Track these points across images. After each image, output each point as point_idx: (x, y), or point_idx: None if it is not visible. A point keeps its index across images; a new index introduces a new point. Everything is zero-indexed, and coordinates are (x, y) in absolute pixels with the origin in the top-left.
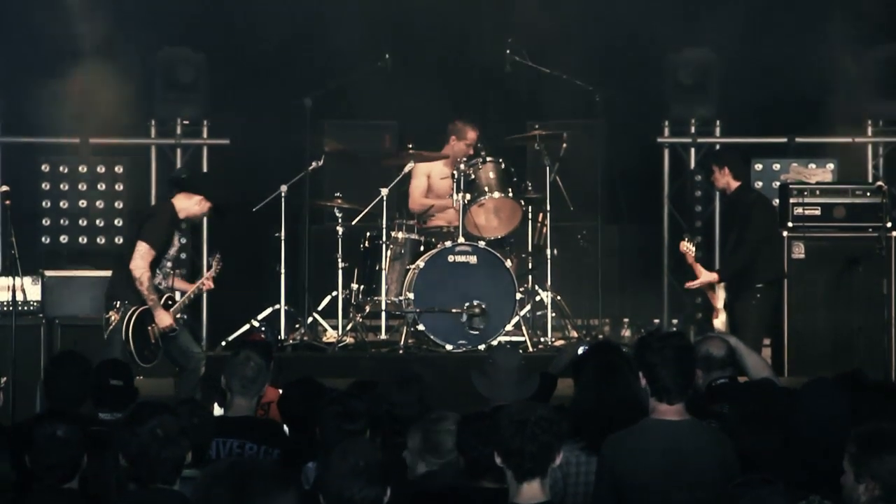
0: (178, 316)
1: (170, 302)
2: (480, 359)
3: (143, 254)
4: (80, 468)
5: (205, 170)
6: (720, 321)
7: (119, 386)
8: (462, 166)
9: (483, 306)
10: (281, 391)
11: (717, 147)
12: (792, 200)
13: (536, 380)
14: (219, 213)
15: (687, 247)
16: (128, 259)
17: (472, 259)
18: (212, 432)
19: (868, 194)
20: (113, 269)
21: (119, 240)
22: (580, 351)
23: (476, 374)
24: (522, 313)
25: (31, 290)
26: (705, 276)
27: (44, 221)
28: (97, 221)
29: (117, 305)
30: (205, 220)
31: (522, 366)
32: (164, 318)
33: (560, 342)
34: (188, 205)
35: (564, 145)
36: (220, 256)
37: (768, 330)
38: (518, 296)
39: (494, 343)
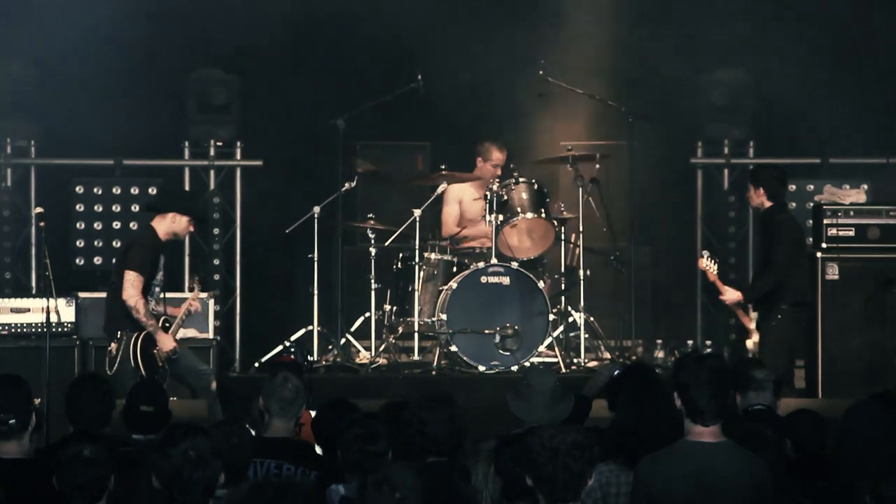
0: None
1: (166, 324)
2: (515, 380)
3: (132, 282)
4: (108, 489)
5: (239, 191)
6: (752, 342)
7: (149, 412)
8: (495, 187)
9: (516, 327)
10: (314, 412)
11: (753, 166)
12: (826, 221)
13: (571, 401)
14: (199, 222)
15: (706, 264)
16: (118, 290)
17: (505, 280)
18: (250, 452)
19: None
20: (106, 303)
21: None
22: (615, 373)
23: (511, 395)
24: (555, 334)
25: (65, 311)
26: (731, 292)
27: (78, 243)
28: None
29: (119, 336)
30: (187, 236)
31: (557, 387)
32: (166, 342)
33: (593, 363)
34: (165, 224)
35: (598, 166)
36: (199, 277)
37: (793, 351)
38: (551, 317)
39: (527, 364)
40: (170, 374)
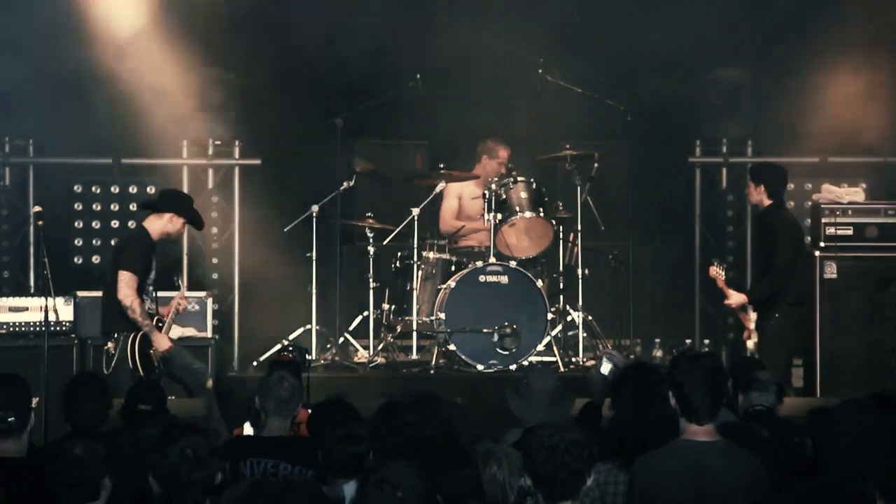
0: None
1: (160, 324)
2: (515, 379)
3: (127, 282)
4: (104, 488)
5: (237, 190)
6: (752, 342)
7: (147, 410)
8: (493, 186)
9: (514, 326)
10: (310, 411)
11: (753, 164)
12: (824, 220)
13: (571, 401)
14: (195, 225)
15: (717, 272)
16: (114, 291)
17: (504, 279)
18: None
19: None
20: (102, 303)
21: None
22: (605, 369)
23: (510, 394)
24: (554, 333)
25: (64, 310)
26: (736, 296)
27: (76, 242)
28: None
29: (115, 336)
30: (178, 239)
31: (557, 387)
32: (162, 341)
33: (591, 362)
34: (160, 224)
35: (596, 165)
36: (179, 275)
37: (792, 350)
38: (549, 316)
39: (525, 363)
40: (165, 374)
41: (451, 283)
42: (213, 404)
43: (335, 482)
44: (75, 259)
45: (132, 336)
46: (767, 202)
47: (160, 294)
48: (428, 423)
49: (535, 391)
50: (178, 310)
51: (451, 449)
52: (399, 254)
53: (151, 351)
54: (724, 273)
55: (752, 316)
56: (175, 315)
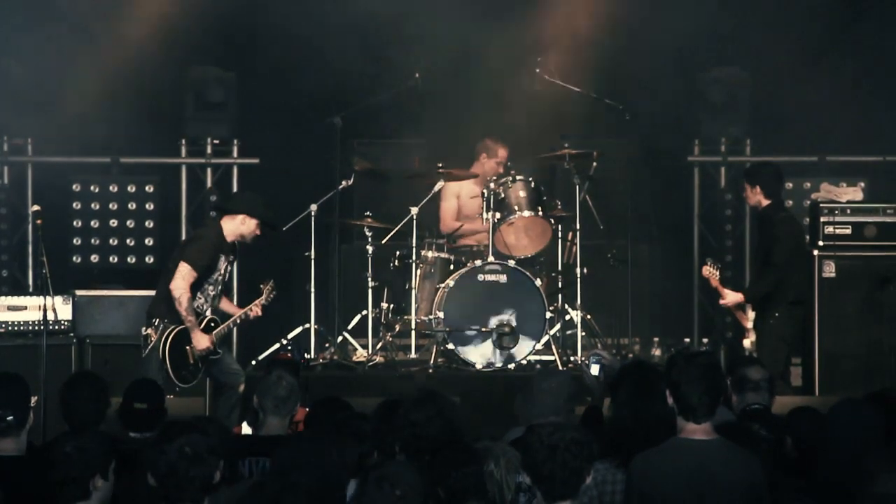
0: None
1: (212, 324)
2: (523, 378)
3: (184, 274)
4: (95, 488)
5: (236, 189)
6: (749, 341)
7: (143, 409)
8: (492, 185)
9: (513, 325)
10: (307, 409)
11: (750, 164)
12: (822, 219)
13: (580, 402)
14: (269, 227)
15: (710, 271)
16: (169, 278)
17: (502, 278)
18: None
19: None
20: (157, 288)
21: (150, 259)
22: (594, 370)
23: (520, 399)
24: (552, 332)
25: (62, 309)
26: (732, 295)
27: (75, 241)
28: (128, 241)
29: (156, 323)
30: (251, 238)
31: (568, 391)
32: (201, 341)
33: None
34: (233, 226)
35: (595, 164)
36: (272, 284)
37: (792, 349)
38: (548, 315)
39: (524, 362)
40: (203, 372)
41: (450, 281)
42: (237, 406)
43: None
44: (74, 258)
45: (172, 328)
46: (766, 202)
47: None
48: (432, 422)
49: (546, 395)
50: (249, 315)
51: (455, 446)
52: (398, 253)
53: (189, 347)
54: (717, 272)
55: (750, 315)
56: (240, 320)
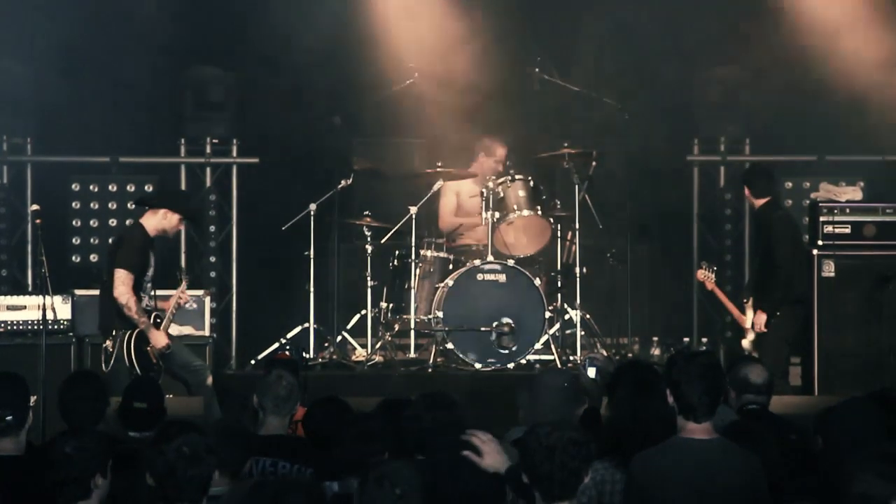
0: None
1: (157, 320)
2: (524, 377)
3: (123, 279)
4: (96, 487)
5: (235, 188)
6: (748, 341)
7: (143, 408)
8: (491, 184)
9: (512, 325)
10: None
11: (746, 165)
12: (822, 219)
13: (584, 402)
14: (192, 221)
15: (705, 274)
16: (110, 288)
17: (501, 277)
18: (247, 447)
19: None
20: (99, 301)
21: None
22: (591, 373)
23: (522, 395)
24: (552, 332)
25: (62, 308)
26: (757, 319)
27: (74, 240)
28: None
29: (113, 334)
30: (181, 233)
31: (570, 389)
32: (159, 338)
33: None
34: (155, 221)
35: (594, 163)
36: (183, 268)
37: (793, 348)
38: (547, 314)
39: (523, 362)
40: (164, 371)
41: (449, 281)
42: (213, 402)
43: (347, 480)
44: (73, 257)
45: (129, 333)
46: (759, 202)
47: (161, 291)
48: (438, 422)
49: (549, 392)
50: (179, 304)
51: (454, 448)
52: (397, 252)
53: (149, 348)
54: (713, 275)
55: (749, 315)
56: (175, 311)
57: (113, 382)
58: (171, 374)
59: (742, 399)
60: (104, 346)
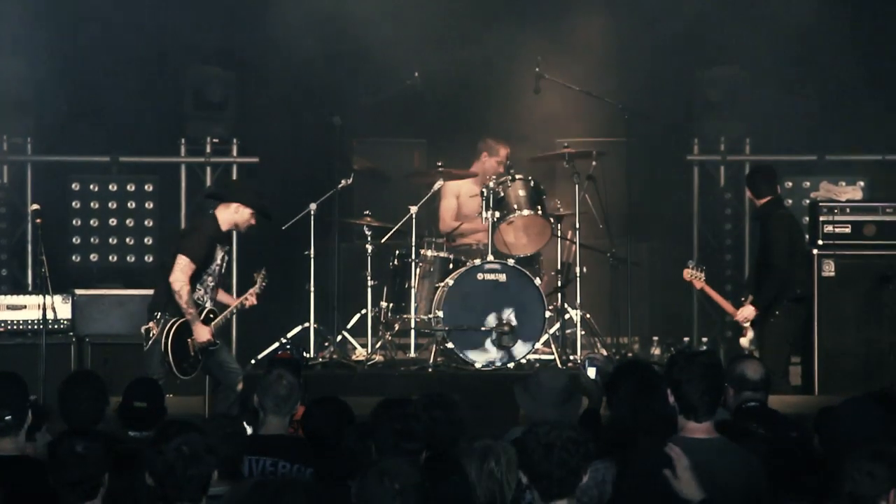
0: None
1: (210, 316)
2: (523, 376)
3: (182, 267)
4: (102, 486)
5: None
6: (747, 339)
7: (142, 408)
8: (491, 184)
9: (512, 324)
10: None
11: (746, 165)
12: (822, 218)
13: (580, 401)
14: (264, 216)
15: (692, 274)
16: (168, 272)
17: (502, 277)
18: (244, 446)
19: None
20: (156, 282)
21: (150, 258)
22: (591, 373)
23: (520, 390)
24: (552, 331)
25: (62, 308)
26: (743, 311)
27: (74, 240)
28: (127, 240)
29: (157, 317)
30: (245, 227)
31: (567, 386)
32: (202, 333)
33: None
34: (227, 215)
35: (594, 163)
36: (265, 273)
37: (793, 347)
38: (547, 314)
39: (523, 361)
40: (201, 367)
41: (449, 280)
42: (235, 406)
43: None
44: (73, 257)
45: (173, 321)
46: (759, 202)
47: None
48: (438, 422)
49: (545, 389)
50: (245, 304)
51: (449, 453)
52: (397, 252)
53: (190, 339)
54: (702, 274)
55: (747, 313)
56: (236, 310)
57: (144, 362)
58: (206, 370)
59: (740, 396)
60: (146, 327)
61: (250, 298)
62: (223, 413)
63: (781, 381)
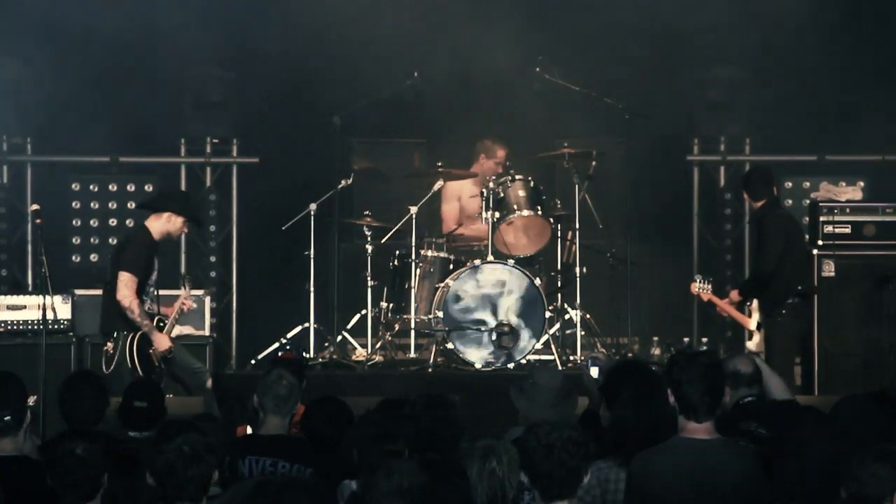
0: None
1: (161, 324)
2: (521, 376)
3: (126, 282)
4: (102, 486)
5: (235, 188)
6: (754, 343)
7: (143, 408)
8: (491, 184)
9: (512, 324)
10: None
11: (747, 165)
12: (822, 218)
13: (576, 400)
14: (195, 224)
15: (699, 287)
16: (114, 291)
17: (502, 277)
18: (225, 449)
19: None
20: (102, 303)
21: None
22: (594, 373)
23: (515, 391)
24: (552, 332)
25: (62, 308)
26: (729, 299)
27: (74, 240)
28: None
29: (115, 336)
30: (182, 236)
31: (563, 386)
32: (162, 341)
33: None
34: (159, 225)
35: (594, 163)
36: (188, 275)
37: (800, 348)
38: (547, 314)
39: (524, 361)
40: (166, 374)
41: (449, 281)
42: (213, 404)
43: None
44: (73, 257)
45: (131, 336)
46: (757, 204)
47: (165, 292)
48: (439, 425)
49: (542, 389)
50: (183, 310)
51: (449, 455)
52: (397, 252)
53: (151, 350)
54: (709, 286)
55: (755, 317)
56: (179, 315)
57: (114, 385)
58: (171, 376)
59: (737, 393)
60: (105, 348)
61: (187, 302)
62: (206, 414)
63: (788, 381)
